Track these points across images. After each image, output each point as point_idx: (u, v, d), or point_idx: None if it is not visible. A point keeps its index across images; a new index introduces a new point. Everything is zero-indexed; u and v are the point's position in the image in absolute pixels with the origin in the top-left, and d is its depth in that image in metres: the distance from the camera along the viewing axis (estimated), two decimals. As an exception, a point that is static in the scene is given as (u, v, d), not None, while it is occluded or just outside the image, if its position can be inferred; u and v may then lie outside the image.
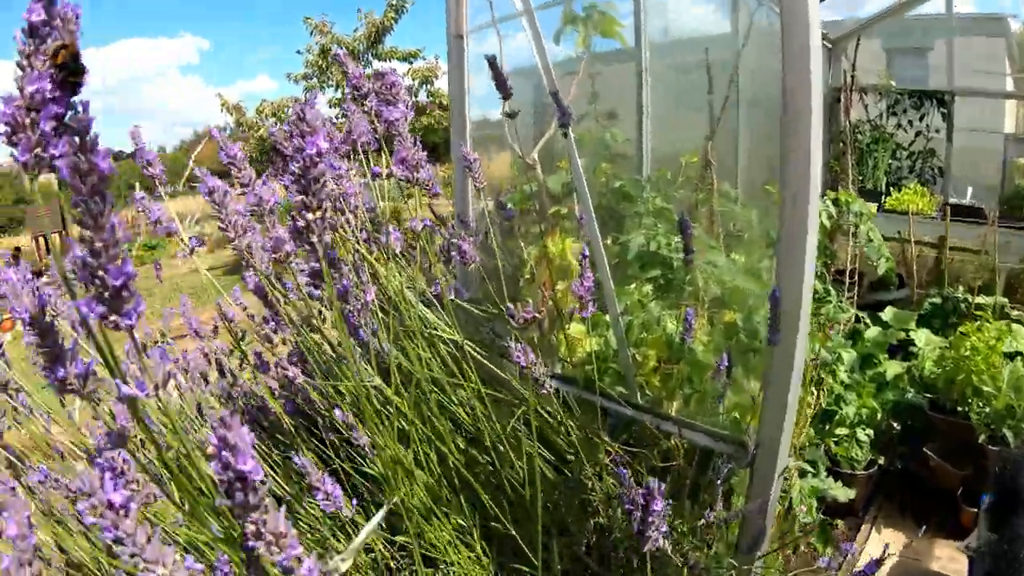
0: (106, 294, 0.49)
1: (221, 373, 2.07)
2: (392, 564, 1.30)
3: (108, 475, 0.43)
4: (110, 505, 0.44)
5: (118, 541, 0.45)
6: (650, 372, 1.97)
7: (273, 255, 0.94)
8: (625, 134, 3.16)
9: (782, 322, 1.31)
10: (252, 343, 2.03)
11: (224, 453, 0.43)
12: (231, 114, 11.69)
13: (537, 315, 0.66)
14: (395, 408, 1.11)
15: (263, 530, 0.45)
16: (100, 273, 0.48)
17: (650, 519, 1.09)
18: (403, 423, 1.14)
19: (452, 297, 1.33)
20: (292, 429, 1.43)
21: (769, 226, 2.61)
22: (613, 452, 1.63)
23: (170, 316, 2.20)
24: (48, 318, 0.63)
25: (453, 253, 1.10)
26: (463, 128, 2.14)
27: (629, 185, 2.82)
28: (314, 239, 0.67)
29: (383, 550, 1.25)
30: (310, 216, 0.64)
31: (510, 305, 0.95)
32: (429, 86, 11.49)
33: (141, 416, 0.62)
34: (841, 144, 5.09)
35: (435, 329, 1.23)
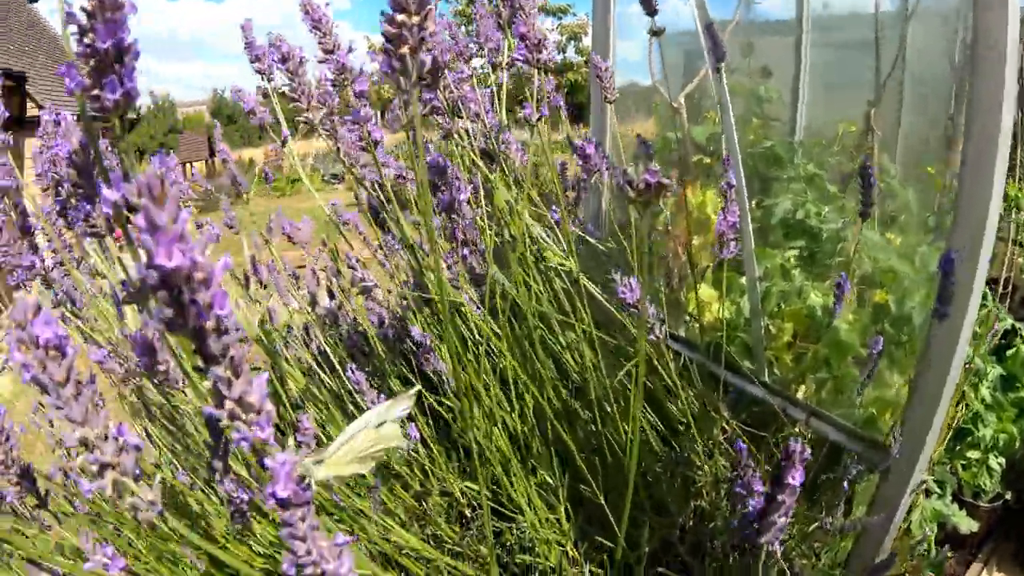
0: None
1: (331, 295, 2.02)
2: (468, 512, 1.19)
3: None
4: (37, 342, 0.34)
5: (39, 384, 0.35)
6: (783, 347, 1.75)
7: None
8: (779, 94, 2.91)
9: (954, 293, 1.07)
10: (371, 264, 1.97)
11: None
12: (378, 55, 11.83)
13: (663, 182, 0.49)
14: (487, 338, 0.97)
15: (227, 395, 0.33)
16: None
17: (772, 515, 0.92)
18: (498, 358, 1.02)
19: (573, 228, 1.18)
20: (382, 353, 1.34)
21: (927, 210, 2.33)
22: (728, 431, 1.45)
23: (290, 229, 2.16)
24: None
25: (580, 167, 0.94)
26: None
27: (780, 147, 2.57)
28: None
29: (459, 495, 1.14)
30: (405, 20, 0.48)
31: (627, 169, 0.79)
32: (577, 43, 11.19)
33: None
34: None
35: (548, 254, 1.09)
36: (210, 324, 0.31)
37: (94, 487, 0.35)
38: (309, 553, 0.36)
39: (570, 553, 1.18)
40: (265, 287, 1.87)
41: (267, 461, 0.34)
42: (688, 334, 1.77)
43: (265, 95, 1.37)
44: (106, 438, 0.36)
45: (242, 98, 1.25)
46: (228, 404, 0.33)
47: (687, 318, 1.85)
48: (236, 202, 1.87)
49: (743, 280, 1.75)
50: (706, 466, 1.40)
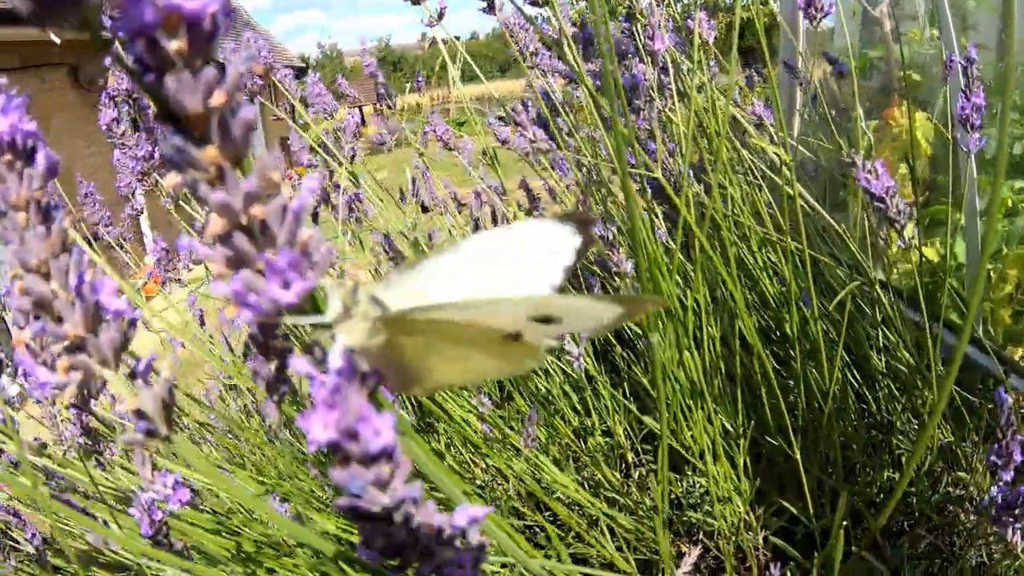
0: None
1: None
2: (630, 457, 1.05)
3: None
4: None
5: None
6: (1003, 300, 1.48)
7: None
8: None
9: None
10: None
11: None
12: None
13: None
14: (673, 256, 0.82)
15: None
16: None
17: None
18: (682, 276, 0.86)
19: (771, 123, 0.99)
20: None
21: None
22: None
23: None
24: None
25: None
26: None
27: (990, 72, 2.20)
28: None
29: (623, 438, 1.00)
30: None
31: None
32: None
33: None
34: None
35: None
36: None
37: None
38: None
39: (744, 516, 1.02)
40: (427, 210, 1.79)
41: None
42: (887, 278, 1.53)
43: (431, 43, 1.35)
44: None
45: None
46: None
47: (885, 262, 1.60)
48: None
49: (959, 217, 1.48)
50: (909, 432, 1.19)
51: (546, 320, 0.29)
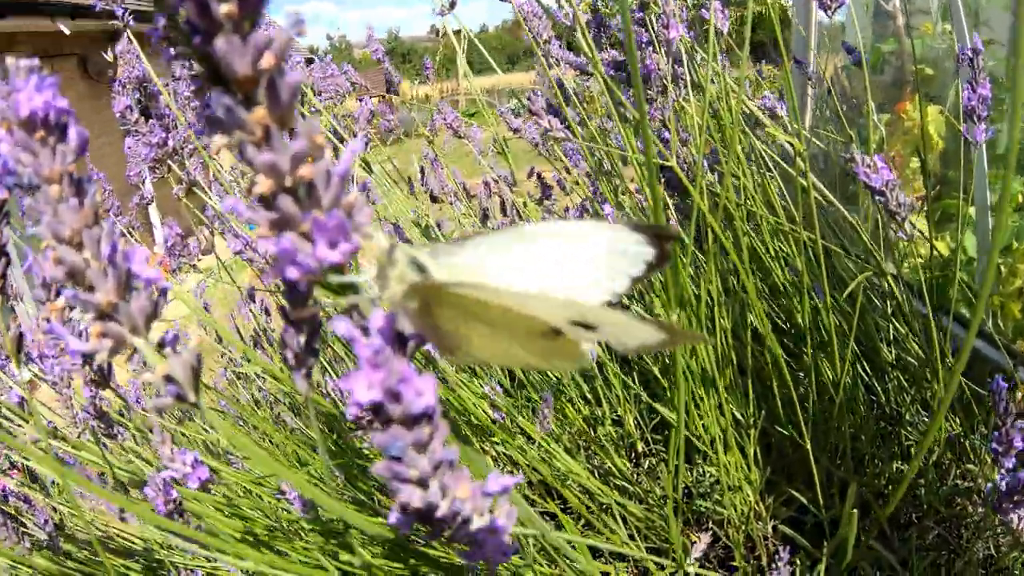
0: None
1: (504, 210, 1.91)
2: (640, 447, 1.06)
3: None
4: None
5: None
6: (1013, 295, 1.48)
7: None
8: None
9: None
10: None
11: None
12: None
13: None
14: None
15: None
16: None
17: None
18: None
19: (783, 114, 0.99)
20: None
21: None
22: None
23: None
24: None
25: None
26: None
27: (1001, 68, 2.20)
28: None
29: (632, 424, 1.01)
30: None
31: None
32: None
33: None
34: None
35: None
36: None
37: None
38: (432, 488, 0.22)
39: (754, 506, 1.02)
40: (437, 201, 1.79)
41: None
42: (899, 271, 1.53)
43: (439, 34, 1.34)
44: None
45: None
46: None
47: (897, 254, 1.60)
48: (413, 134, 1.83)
49: (970, 211, 1.48)
50: (919, 423, 1.19)
51: (586, 327, 0.29)
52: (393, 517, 0.24)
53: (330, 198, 0.20)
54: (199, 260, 1.72)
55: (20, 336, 0.35)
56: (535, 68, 1.15)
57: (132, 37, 1.11)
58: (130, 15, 1.06)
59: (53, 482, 1.11)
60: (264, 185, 0.20)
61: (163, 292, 0.27)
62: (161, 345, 0.26)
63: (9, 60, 0.25)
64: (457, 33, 1.33)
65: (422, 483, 0.22)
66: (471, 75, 1.47)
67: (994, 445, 0.76)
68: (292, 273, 0.20)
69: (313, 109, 1.33)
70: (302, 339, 0.30)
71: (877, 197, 0.73)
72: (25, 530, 1.05)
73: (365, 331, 0.21)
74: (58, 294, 0.38)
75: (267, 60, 0.19)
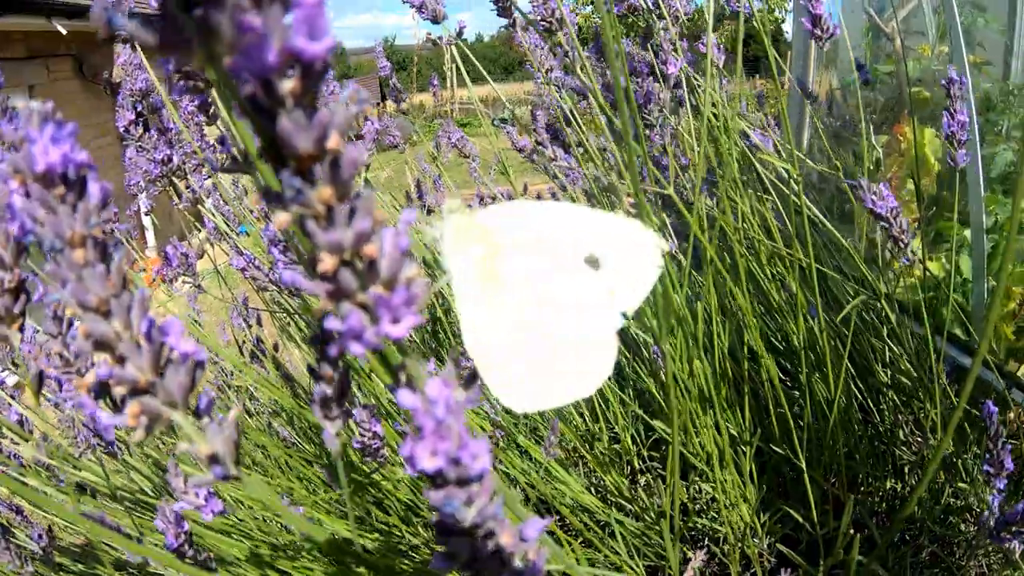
0: None
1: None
2: (637, 463, 1.06)
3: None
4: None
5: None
6: (1006, 317, 1.49)
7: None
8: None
9: None
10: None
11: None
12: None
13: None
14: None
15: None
16: None
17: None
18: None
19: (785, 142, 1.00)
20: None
21: None
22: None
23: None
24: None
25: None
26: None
27: (996, 90, 2.22)
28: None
29: (629, 442, 1.01)
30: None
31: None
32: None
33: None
34: None
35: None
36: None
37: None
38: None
39: (749, 522, 1.03)
40: (431, 212, 1.80)
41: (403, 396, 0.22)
42: (893, 291, 1.54)
43: (434, 43, 1.35)
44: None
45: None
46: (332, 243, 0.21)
47: (892, 275, 1.62)
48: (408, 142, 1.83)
49: (965, 233, 1.50)
50: (912, 441, 1.20)
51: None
52: (436, 562, 0.25)
53: (390, 272, 0.21)
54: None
55: (40, 375, 0.35)
56: (532, 79, 1.16)
57: (136, 44, 1.10)
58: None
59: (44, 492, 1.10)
60: (328, 263, 0.20)
61: (199, 364, 0.26)
62: (198, 414, 0.26)
63: (20, 104, 0.24)
64: (459, 42, 1.34)
65: (469, 533, 0.24)
66: (469, 85, 1.47)
67: (986, 467, 0.78)
68: (356, 349, 0.21)
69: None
70: (332, 396, 0.30)
71: (881, 223, 0.74)
72: (16, 541, 1.05)
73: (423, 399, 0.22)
74: (70, 325, 0.38)
75: (334, 141, 0.19)
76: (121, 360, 0.23)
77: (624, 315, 0.38)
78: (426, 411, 0.21)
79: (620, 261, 0.37)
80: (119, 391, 0.23)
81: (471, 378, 0.25)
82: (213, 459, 0.25)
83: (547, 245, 0.37)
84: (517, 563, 0.24)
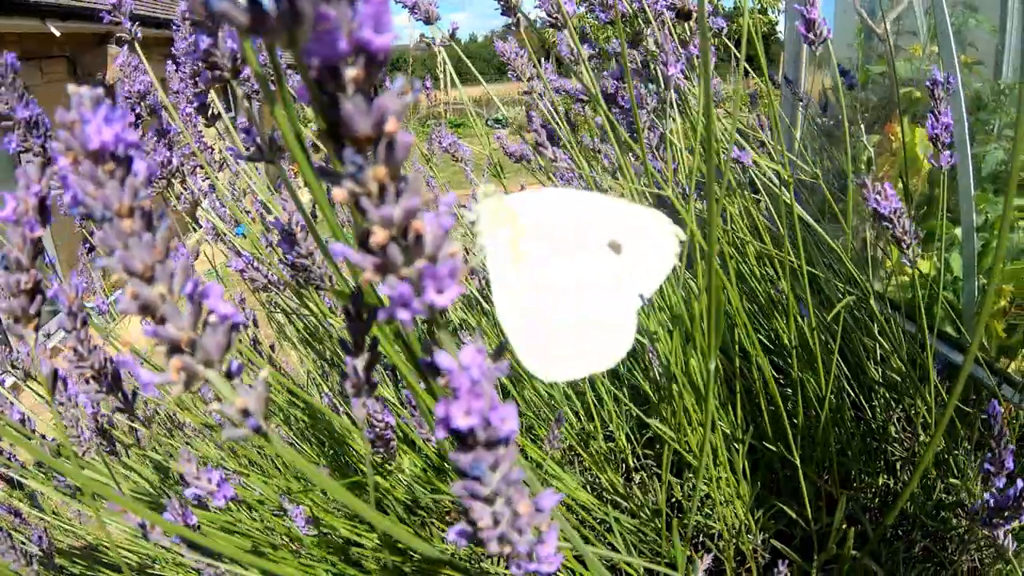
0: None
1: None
2: (632, 462, 1.07)
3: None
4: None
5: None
6: (997, 314, 1.51)
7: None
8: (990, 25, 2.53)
9: None
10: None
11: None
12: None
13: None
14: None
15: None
16: None
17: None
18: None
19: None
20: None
21: None
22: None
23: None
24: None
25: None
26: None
27: (987, 89, 2.24)
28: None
29: (624, 440, 1.02)
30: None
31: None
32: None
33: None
34: None
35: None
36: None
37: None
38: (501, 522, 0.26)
39: (744, 519, 1.04)
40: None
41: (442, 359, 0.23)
42: (884, 290, 1.56)
43: (428, 44, 1.35)
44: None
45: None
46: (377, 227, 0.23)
47: (883, 274, 1.63)
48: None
49: (956, 232, 1.51)
50: (903, 438, 1.21)
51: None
52: (452, 535, 0.27)
53: (434, 247, 0.23)
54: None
55: (55, 373, 0.36)
56: (523, 79, 1.17)
57: (136, 45, 1.09)
58: (137, 26, 1.05)
59: (41, 493, 1.10)
60: (380, 235, 0.22)
61: (235, 326, 0.28)
62: (229, 375, 0.27)
63: (71, 88, 0.26)
64: (454, 42, 1.34)
65: (490, 500, 0.25)
66: (460, 86, 1.48)
67: (987, 466, 0.79)
68: (403, 315, 0.23)
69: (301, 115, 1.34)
70: (362, 366, 0.32)
71: (884, 223, 0.76)
72: (14, 545, 1.05)
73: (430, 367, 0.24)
74: (84, 323, 0.39)
75: (391, 124, 0.21)
76: (162, 320, 0.25)
77: (641, 297, 0.41)
78: (462, 372, 0.23)
79: (640, 247, 0.41)
80: (160, 349, 0.25)
81: (500, 350, 0.27)
82: (245, 412, 0.26)
83: (572, 229, 0.40)
84: (530, 536, 0.26)
